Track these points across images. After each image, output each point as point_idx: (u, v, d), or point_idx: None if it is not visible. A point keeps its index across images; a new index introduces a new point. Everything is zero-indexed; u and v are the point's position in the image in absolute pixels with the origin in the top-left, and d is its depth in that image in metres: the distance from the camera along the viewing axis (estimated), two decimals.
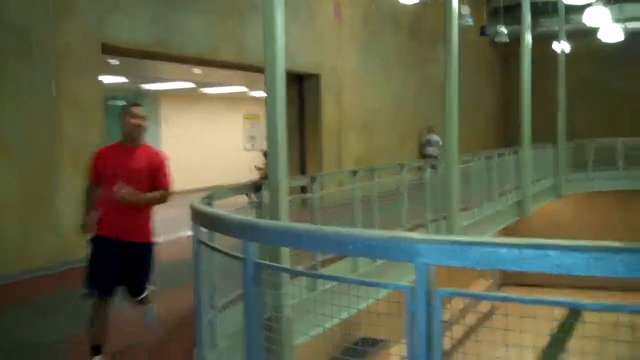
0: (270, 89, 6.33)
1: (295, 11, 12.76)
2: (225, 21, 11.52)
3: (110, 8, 9.30)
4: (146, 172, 5.01)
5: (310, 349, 3.54)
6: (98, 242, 4.95)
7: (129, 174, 4.92)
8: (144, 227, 5.08)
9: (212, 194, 5.75)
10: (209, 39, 11.19)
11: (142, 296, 5.21)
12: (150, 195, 5.01)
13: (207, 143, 22.88)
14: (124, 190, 4.83)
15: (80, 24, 8.85)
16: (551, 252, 2.22)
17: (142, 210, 5.02)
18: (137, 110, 5.11)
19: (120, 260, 4.93)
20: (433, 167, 11.37)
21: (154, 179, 5.06)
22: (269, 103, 6.37)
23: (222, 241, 4.21)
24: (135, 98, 19.32)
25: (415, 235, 2.56)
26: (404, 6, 15.13)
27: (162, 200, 5.11)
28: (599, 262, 2.19)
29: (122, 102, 15.96)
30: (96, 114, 9.05)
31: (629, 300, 2.60)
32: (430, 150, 18.25)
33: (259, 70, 6.64)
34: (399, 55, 17.91)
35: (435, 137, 18.33)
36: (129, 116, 5.05)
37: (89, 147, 7.90)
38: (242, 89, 21.32)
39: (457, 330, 11.77)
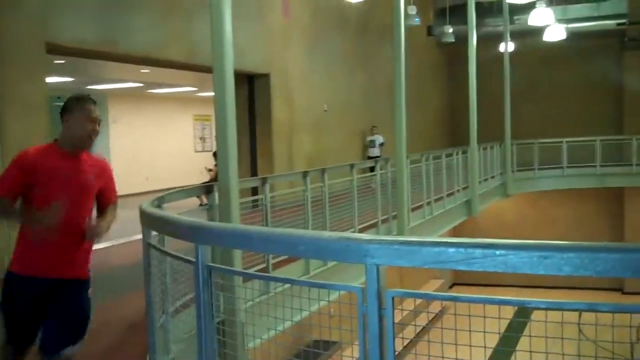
0: (219, 89, 6.30)
1: (244, 10, 12.70)
2: (173, 20, 11.40)
3: (54, 6, 9.12)
4: (97, 187, 4.00)
5: (264, 352, 3.54)
6: (16, 288, 3.79)
7: (78, 192, 3.85)
8: (84, 260, 3.98)
9: (162, 197, 5.70)
10: (157, 38, 11.07)
11: (60, 355, 3.75)
12: (110, 218, 4.06)
13: (157, 144, 22.64)
14: (101, 226, 3.90)
15: (23, 22, 8.67)
16: (498, 252, 2.26)
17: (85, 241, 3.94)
18: (95, 111, 3.91)
19: (45, 307, 3.80)
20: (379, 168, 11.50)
21: (101, 193, 4.07)
22: (218, 103, 6.34)
23: (173, 244, 4.18)
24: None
25: (364, 236, 2.58)
26: (352, 4, 15.23)
27: (115, 216, 4.15)
28: (545, 260, 2.23)
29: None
30: (40, 115, 8.86)
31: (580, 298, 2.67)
32: (374, 151, 18.15)
33: (209, 70, 6.60)
34: (347, 54, 17.98)
35: (379, 138, 18.29)
36: (85, 118, 3.84)
37: None
38: (192, 89, 21.16)
39: (410, 331, 11.88)
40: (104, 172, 4.09)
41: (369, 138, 18.42)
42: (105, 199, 4.11)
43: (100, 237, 3.93)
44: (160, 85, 19.72)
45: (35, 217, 3.70)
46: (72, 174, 3.83)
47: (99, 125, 3.91)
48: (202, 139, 25.23)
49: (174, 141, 23.61)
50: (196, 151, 24.77)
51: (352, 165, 10.33)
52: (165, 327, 4.54)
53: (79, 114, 3.85)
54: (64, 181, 3.80)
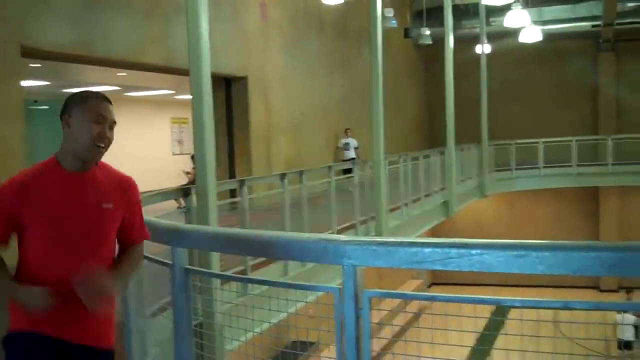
0: (196, 91, 6.29)
1: (221, 13, 12.68)
2: (151, 23, 11.35)
3: (29, 9, 9.05)
4: (118, 219, 2.82)
5: (242, 355, 3.54)
6: (27, 348, 2.67)
7: (86, 230, 2.70)
8: (109, 321, 2.81)
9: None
10: (135, 41, 11.01)
11: None
12: (127, 266, 2.86)
13: (135, 148, 22.47)
14: (101, 283, 2.61)
15: None
16: (473, 251, 2.28)
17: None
18: (105, 109, 2.79)
19: None
20: (348, 171, 11.55)
21: (123, 227, 2.85)
22: (195, 106, 6.33)
23: (151, 247, 4.16)
24: (58, 102, 18.83)
25: (342, 237, 2.59)
26: (330, 7, 15.26)
27: (138, 264, 2.98)
28: (519, 259, 2.26)
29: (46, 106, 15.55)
30: (16, 120, 8.77)
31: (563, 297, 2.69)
32: (349, 154, 17.55)
33: (187, 73, 6.59)
34: (325, 56, 17.99)
35: (354, 141, 17.80)
36: (89, 118, 2.72)
37: (9, 158, 7.67)
38: (169, 92, 21.07)
39: (388, 331, 11.92)
40: (126, 194, 2.86)
41: (343, 141, 18.03)
42: (127, 236, 2.88)
43: (104, 294, 2.64)
44: (137, 89, 19.62)
45: (21, 296, 2.64)
46: (77, 203, 2.69)
47: (111, 128, 2.79)
48: (180, 141, 25.12)
49: (151, 144, 23.47)
50: (174, 154, 24.65)
51: (330, 167, 10.35)
52: (143, 331, 4.52)
53: (81, 114, 2.74)
54: (65, 216, 2.66)
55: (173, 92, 21.09)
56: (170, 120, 24.87)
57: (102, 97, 2.83)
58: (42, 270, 2.65)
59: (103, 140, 2.72)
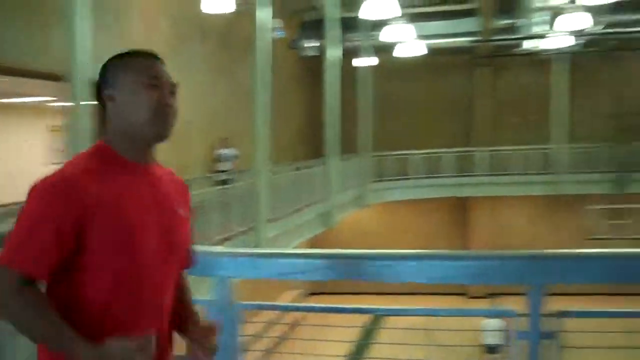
0: (73, 98, 6.14)
1: (103, 19, 12.35)
2: (32, 29, 10.91)
3: None
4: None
5: None
6: None
7: (175, 242, 1.95)
8: None
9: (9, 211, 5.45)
10: (17, 48, 10.55)
11: None
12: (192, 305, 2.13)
13: (5, 157, 21.43)
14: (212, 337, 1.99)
15: None
16: (343, 261, 2.33)
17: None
18: (160, 68, 2.01)
19: None
20: (224, 182, 11.44)
21: None
22: (72, 114, 6.17)
23: None
24: None
25: (215, 248, 2.60)
26: (215, 16, 15.17)
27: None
28: (387, 269, 2.33)
29: None
30: None
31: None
32: (225, 165, 16.23)
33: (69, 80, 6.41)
34: (210, 65, 17.83)
35: (232, 151, 16.74)
36: (142, 81, 1.93)
37: None
38: (51, 99, 20.26)
39: (265, 343, 11.89)
40: (187, 199, 2.10)
41: (219, 151, 16.85)
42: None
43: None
44: (14, 95, 18.75)
45: (113, 351, 1.64)
46: (156, 209, 1.90)
47: (172, 93, 2.00)
48: (58, 150, 24.21)
49: (26, 153, 22.48)
50: (53, 163, 23.70)
51: (207, 177, 10.31)
52: (3, 347, 4.32)
53: (128, 82, 1.92)
54: (146, 230, 1.84)
55: (55, 99, 20.32)
56: (49, 128, 23.93)
57: (151, 54, 2.04)
58: (111, 314, 1.78)
59: (166, 109, 1.94)
